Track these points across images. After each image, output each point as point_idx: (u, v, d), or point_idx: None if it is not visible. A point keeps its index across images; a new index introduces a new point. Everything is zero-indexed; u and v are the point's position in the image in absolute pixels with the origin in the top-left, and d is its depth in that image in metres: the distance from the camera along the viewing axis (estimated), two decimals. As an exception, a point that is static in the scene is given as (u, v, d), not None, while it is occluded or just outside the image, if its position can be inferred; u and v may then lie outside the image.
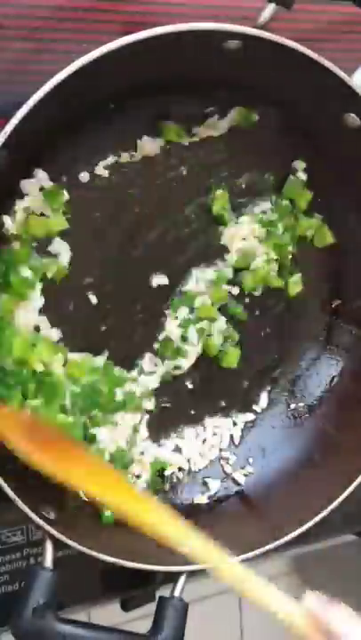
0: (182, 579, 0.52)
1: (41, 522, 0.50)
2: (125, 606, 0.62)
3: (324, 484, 0.58)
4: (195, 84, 0.55)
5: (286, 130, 0.60)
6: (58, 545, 0.50)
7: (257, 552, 0.54)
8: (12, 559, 0.56)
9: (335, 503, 0.55)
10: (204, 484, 0.64)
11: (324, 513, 0.55)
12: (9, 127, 0.45)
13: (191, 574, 0.53)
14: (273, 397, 0.66)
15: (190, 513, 0.60)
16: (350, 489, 0.56)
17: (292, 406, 0.66)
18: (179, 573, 0.53)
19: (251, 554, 0.54)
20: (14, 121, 0.45)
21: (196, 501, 0.63)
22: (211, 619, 1.30)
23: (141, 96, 0.54)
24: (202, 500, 0.63)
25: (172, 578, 0.54)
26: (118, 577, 0.61)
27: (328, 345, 0.67)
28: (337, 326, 0.65)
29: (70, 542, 0.50)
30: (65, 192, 0.54)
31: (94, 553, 0.51)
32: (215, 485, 0.64)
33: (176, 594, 0.52)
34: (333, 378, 0.66)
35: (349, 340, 0.65)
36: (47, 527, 0.50)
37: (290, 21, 0.54)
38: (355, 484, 0.56)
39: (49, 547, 0.50)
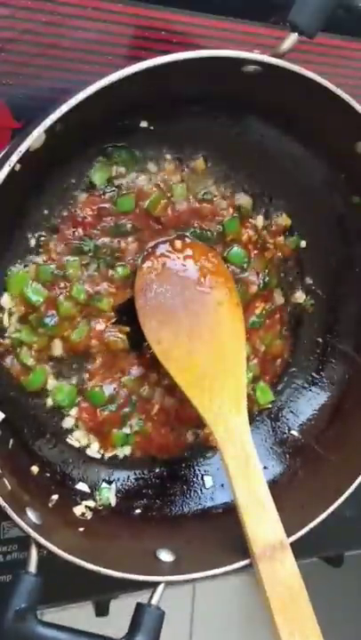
0: (160, 588, 0.54)
1: (27, 527, 0.51)
2: (100, 612, 0.63)
3: (307, 502, 0.60)
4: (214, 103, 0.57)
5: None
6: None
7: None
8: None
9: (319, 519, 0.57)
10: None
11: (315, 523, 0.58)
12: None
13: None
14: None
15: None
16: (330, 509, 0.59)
17: (277, 428, 0.69)
18: (157, 583, 0.54)
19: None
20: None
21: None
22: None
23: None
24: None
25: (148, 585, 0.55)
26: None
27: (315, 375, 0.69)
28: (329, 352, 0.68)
29: (56, 550, 0.51)
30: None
31: (77, 561, 0.52)
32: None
33: (153, 602, 0.53)
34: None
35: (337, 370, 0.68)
36: (33, 534, 0.51)
37: (304, 52, 0.55)
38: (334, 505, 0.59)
39: (33, 552, 0.51)
